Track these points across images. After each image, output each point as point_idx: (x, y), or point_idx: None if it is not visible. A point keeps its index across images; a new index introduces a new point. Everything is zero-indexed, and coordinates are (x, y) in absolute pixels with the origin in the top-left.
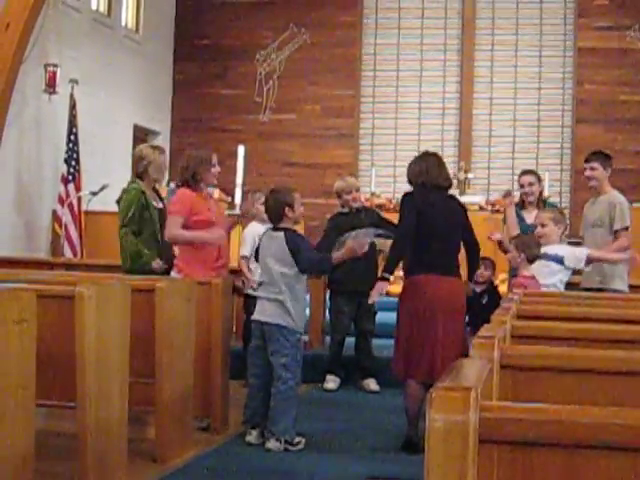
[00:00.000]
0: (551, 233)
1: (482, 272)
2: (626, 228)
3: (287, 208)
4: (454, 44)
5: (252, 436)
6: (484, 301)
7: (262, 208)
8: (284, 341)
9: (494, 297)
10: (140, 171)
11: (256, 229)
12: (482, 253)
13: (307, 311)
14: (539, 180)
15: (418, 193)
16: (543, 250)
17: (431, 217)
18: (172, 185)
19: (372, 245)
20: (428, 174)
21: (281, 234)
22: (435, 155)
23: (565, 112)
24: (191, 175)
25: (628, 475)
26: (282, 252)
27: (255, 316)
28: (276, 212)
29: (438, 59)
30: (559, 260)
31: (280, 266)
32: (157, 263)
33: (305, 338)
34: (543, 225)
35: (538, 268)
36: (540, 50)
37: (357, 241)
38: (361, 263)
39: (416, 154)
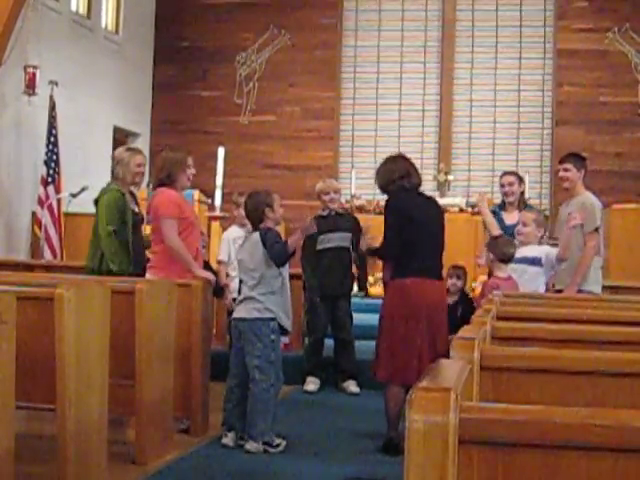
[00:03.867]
0: (530, 234)
1: (454, 282)
2: (596, 229)
3: (267, 209)
4: (434, 46)
5: (228, 438)
6: (459, 313)
7: (243, 212)
8: (256, 341)
9: (468, 308)
10: (115, 172)
11: (234, 233)
12: (456, 262)
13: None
14: (520, 181)
15: (401, 196)
16: (522, 253)
17: (418, 221)
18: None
19: (347, 252)
20: (402, 175)
21: (256, 234)
22: (401, 156)
23: (545, 114)
24: (166, 176)
25: (608, 475)
26: (255, 249)
27: (233, 315)
28: (256, 213)
29: (418, 61)
30: (537, 262)
31: (253, 263)
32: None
33: (286, 340)
34: (525, 224)
35: (519, 275)
36: (520, 52)
37: (305, 225)
38: (337, 270)
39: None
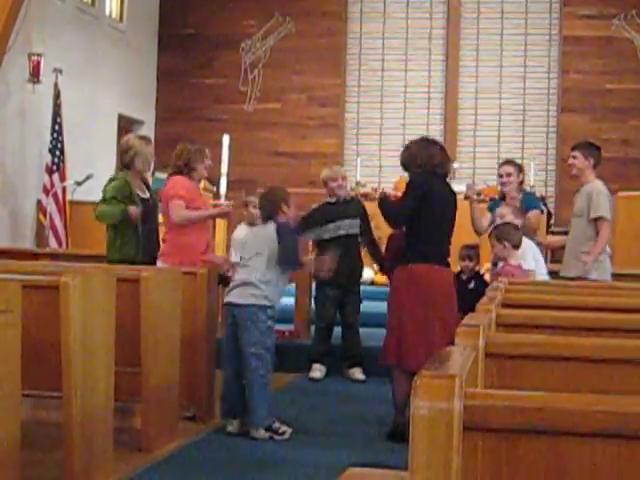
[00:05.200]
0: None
1: (467, 264)
2: (601, 217)
3: (283, 203)
4: (439, 33)
5: (233, 426)
6: (471, 286)
7: (254, 212)
8: (253, 328)
9: (481, 283)
10: (126, 162)
11: (242, 233)
12: (467, 241)
13: (291, 300)
14: (520, 171)
15: (429, 179)
16: None
17: (434, 208)
18: (158, 174)
19: (355, 240)
20: (433, 161)
21: (271, 225)
22: (438, 143)
23: (550, 101)
24: (184, 163)
25: (612, 462)
26: (269, 238)
27: (226, 299)
28: (271, 205)
29: (423, 48)
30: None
31: (263, 249)
32: (133, 210)
33: (291, 327)
34: (503, 219)
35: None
36: (525, 38)
37: (326, 263)
38: (347, 257)
39: (404, 142)
